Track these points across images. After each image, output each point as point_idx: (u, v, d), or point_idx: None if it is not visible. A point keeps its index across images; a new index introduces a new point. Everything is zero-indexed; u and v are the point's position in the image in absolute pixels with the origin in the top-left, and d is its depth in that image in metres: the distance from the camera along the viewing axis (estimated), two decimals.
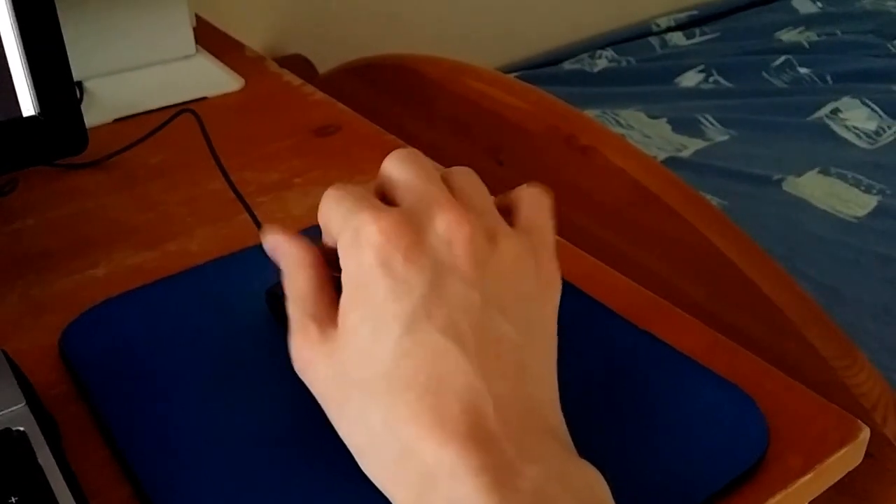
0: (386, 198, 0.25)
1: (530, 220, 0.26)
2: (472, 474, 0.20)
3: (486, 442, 0.21)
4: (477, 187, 0.26)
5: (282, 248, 0.26)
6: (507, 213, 0.26)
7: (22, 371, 0.29)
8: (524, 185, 0.27)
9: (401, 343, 0.22)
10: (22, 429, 0.26)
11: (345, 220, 0.24)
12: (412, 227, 0.23)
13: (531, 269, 0.24)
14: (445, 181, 0.25)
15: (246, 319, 0.32)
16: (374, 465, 0.22)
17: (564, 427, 0.23)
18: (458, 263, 0.23)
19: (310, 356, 0.24)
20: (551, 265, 0.25)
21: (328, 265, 0.25)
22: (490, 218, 0.25)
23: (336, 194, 0.25)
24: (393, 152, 0.26)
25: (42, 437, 0.26)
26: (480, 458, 0.20)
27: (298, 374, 0.25)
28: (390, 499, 0.22)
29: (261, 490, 0.25)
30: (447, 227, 0.23)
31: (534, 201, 0.26)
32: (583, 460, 0.22)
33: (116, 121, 0.49)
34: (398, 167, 0.25)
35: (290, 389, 0.25)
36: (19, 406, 0.27)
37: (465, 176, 0.26)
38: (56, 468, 0.25)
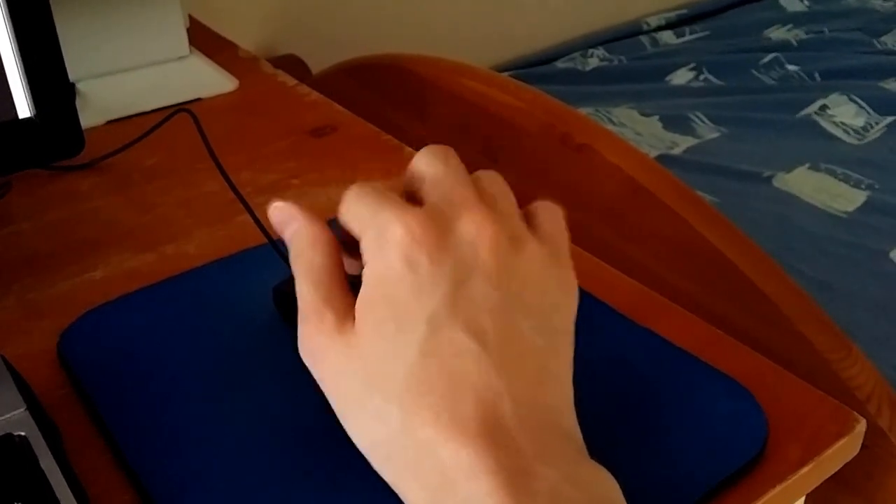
0: (412, 195, 0.25)
1: (548, 228, 0.26)
2: (488, 474, 0.20)
3: (503, 443, 0.21)
4: (503, 192, 0.25)
5: (295, 222, 0.24)
6: (524, 222, 0.26)
7: (21, 375, 0.29)
8: (537, 200, 0.26)
9: (424, 342, 0.22)
10: (23, 434, 0.26)
11: (369, 217, 0.23)
12: (437, 226, 0.23)
13: (553, 274, 0.24)
14: (472, 183, 0.25)
15: (247, 320, 0.31)
16: (389, 463, 0.22)
17: (578, 430, 0.23)
18: (482, 264, 0.23)
19: (323, 347, 0.23)
20: (570, 273, 0.25)
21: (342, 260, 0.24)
22: (515, 222, 0.25)
23: (359, 191, 0.24)
24: (425, 147, 0.25)
25: (44, 442, 0.26)
26: (497, 459, 0.20)
27: (306, 361, 0.24)
28: (403, 498, 0.22)
29: (266, 493, 0.25)
30: (472, 227, 0.23)
31: (549, 212, 0.26)
32: (595, 462, 0.22)
33: (109, 122, 0.48)
34: (428, 162, 0.25)
35: (294, 391, 0.25)
36: (20, 411, 0.27)
37: (492, 179, 0.26)
38: (59, 473, 0.25)
